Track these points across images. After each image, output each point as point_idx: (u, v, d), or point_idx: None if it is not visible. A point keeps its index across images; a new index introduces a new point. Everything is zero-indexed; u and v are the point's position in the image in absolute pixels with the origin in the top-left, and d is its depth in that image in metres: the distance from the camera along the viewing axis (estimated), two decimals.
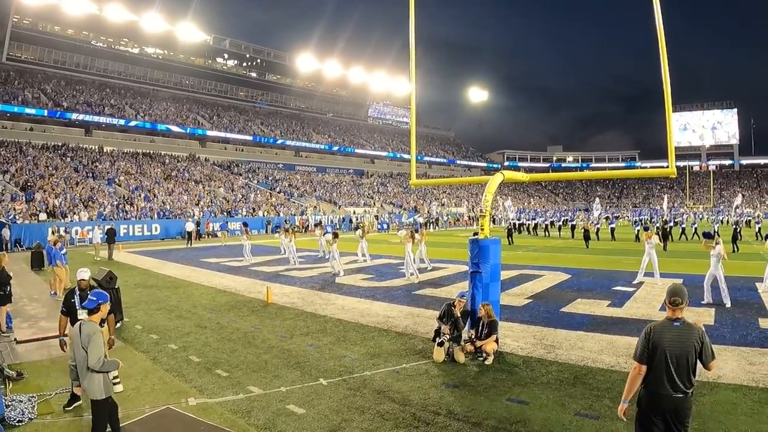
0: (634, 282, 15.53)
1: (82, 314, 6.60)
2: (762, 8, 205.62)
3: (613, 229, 36.93)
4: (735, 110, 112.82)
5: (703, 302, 12.36)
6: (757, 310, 11.79)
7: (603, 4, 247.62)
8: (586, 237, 29.95)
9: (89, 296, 5.59)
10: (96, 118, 58.86)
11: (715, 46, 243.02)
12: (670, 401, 4.11)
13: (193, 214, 43.55)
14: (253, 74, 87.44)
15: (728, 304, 12.10)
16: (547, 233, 43.19)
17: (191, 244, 33.62)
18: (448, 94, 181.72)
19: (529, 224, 46.99)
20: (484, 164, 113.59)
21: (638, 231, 31.73)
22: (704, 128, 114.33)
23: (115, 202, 42.11)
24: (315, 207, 58.84)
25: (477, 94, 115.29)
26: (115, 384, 6.02)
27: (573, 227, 40.80)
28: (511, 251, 25.95)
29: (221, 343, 9.62)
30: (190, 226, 35.03)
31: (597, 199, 65.29)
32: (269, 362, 8.24)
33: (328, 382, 7.34)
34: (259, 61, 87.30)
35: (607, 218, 52.96)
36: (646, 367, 4.14)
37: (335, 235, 19.47)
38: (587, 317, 11.38)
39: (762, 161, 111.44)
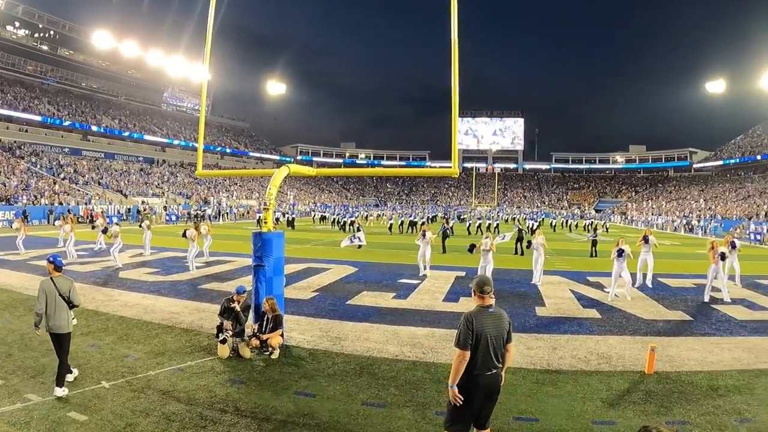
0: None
1: None
2: (550, 27, 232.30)
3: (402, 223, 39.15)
4: (522, 119, 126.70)
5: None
6: (534, 300, 13.54)
7: (403, 12, 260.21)
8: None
9: None
10: None
11: (506, 60, 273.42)
12: (490, 378, 4.64)
13: None
14: (45, 47, 77.26)
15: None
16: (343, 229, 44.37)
17: None
18: (246, 85, 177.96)
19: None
20: (278, 157, 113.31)
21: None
22: (493, 134, 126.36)
23: None
24: (100, 196, 54.28)
25: (275, 87, 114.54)
26: None
27: (351, 223, 42.46)
28: (298, 245, 26.20)
29: None
30: None
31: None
32: (48, 366, 7.41)
33: (110, 385, 6.88)
34: (52, 33, 77.05)
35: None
36: (470, 352, 4.51)
37: (119, 226, 18.24)
38: (373, 309, 12.02)
39: (543, 166, 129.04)
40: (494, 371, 4.65)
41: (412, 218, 46.19)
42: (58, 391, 6.56)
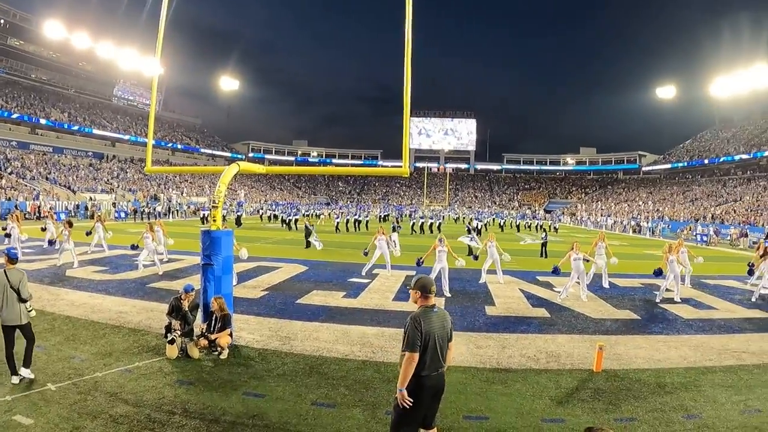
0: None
1: None
2: (503, 29, 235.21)
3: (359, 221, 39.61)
4: (474, 120, 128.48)
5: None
6: (484, 299, 13.78)
7: (356, 10, 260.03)
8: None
9: None
10: None
11: (459, 61, 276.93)
12: (437, 378, 4.72)
13: None
14: None
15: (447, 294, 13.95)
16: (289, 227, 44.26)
17: None
18: (199, 80, 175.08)
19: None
20: (229, 154, 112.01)
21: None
22: (445, 135, 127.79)
23: None
24: (48, 191, 52.60)
25: (228, 83, 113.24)
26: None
27: (296, 221, 42.90)
28: (248, 243, 25.98)
29: None
30: None
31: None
32: None
33: (56, 387, 6.72)
34: (2, 22, 74.01)
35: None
36: (419, 354, 4.55)
37: (69, 224, 17.74)
38: (323, 308, 12.05)
39: (494, 167, 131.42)
40: (441, 371, 4.73)
41: (357, 217, 46.66)
42: (24, 372, 6.88)
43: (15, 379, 6.80)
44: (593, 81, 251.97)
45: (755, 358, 9.01)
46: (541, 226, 47.28)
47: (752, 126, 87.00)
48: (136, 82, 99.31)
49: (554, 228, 49.46)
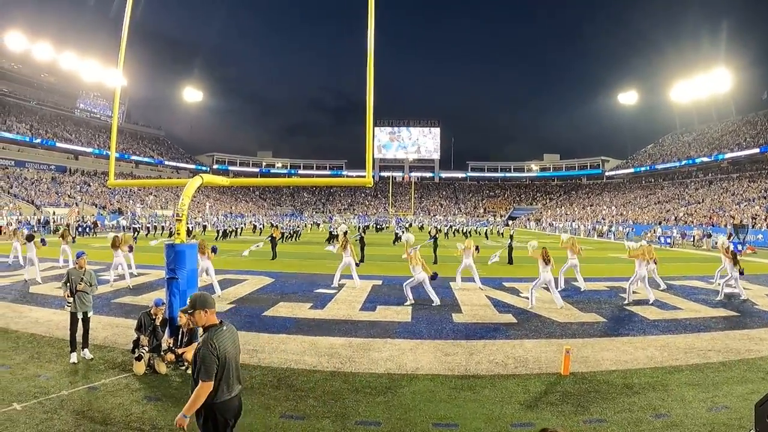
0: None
1: None
2: (465, 36, 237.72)
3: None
4: (438, 129, 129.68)
5: (406, 303, 14.01)
6: (451, 306, 13.89)
7: (315, 18, 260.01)
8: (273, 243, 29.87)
9: None
10: None
11: (424, 71, 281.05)
12: (237, 399, 4.50)
13: None
14: None
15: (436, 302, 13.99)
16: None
17: None
18: (162, 92, 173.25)
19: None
20: (193, 166, 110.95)
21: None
22: (409, 143, 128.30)
23: None
24: (11, 206, 51.35)
25: (191, 94, 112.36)
26: None
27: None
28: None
29: None
30: None
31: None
32: None
33: (22, 407, 6.60)
34: None
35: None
36: (215, 380, 4.23)
37: (30, 238, 17.42)
38: (290, 320, 12.06)
39: (459, 174, 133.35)
40: (240, 391, 4.52)
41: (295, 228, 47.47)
42: None
43: None
44: (556, 87, 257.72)
45: (721, 355, 9.32)
46: (501, 233, 47.97)
47: (712, 129, 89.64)
48: (99, 93, 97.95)
49: (510, 235, 50.31)
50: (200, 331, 4.34)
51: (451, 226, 60.65)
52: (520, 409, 6.88)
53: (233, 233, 48.88)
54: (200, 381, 4.15)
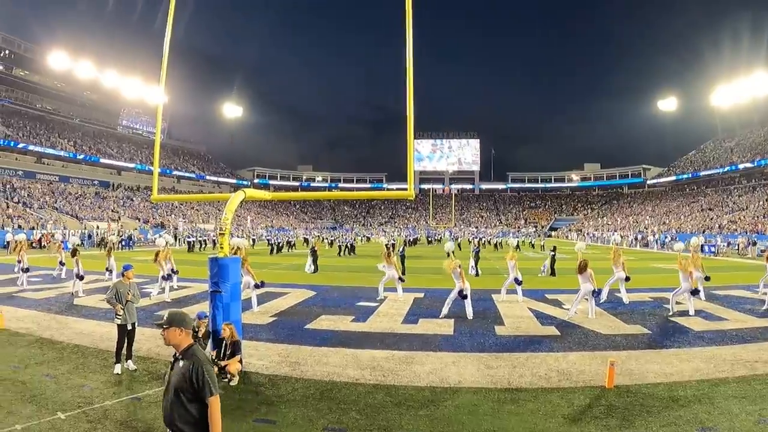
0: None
1: None
2: (504, 48, 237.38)
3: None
4: (477, 140, 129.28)
5: (440, 315, 13.76)
6: (494, 319, 13.64)
7: (356, 32, 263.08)
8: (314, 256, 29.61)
9: None
10: None
11: (463, 82, 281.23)
12: None
13: None
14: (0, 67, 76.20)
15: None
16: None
17: None
18: (203, 108, 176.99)
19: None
20: (234, 181, 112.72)
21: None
22: (449, 156, 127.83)
23: None
24: (56, 221, 52.86)
25: (231, 110, 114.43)
26: None
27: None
28: (257, 269, 25.98)
29: None
30: None
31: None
32: (1, 397, 7.22)
33: (66, 416, 6.66)
34: (8, 52, 76.00)
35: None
36: None
37: (74, 252, 17.79)
38: (331, 333, 11.98)
39: (499, 186, 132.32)
40: None
41: (351, 242, 46.86)
42: None
43: None
44: (595, 96, 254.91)
45: None
46: (543, 246, 47.37)
47: (754, 134, 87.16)
48: (140, 110, 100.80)
49: (542, 246, 49.67)
50: (197, 348, 4.06)
51: (481, 238, 59.89)
52: (563, 422, 6.65)
53: (288, 246, 48.45)
54: (209, 397, 3.86)
